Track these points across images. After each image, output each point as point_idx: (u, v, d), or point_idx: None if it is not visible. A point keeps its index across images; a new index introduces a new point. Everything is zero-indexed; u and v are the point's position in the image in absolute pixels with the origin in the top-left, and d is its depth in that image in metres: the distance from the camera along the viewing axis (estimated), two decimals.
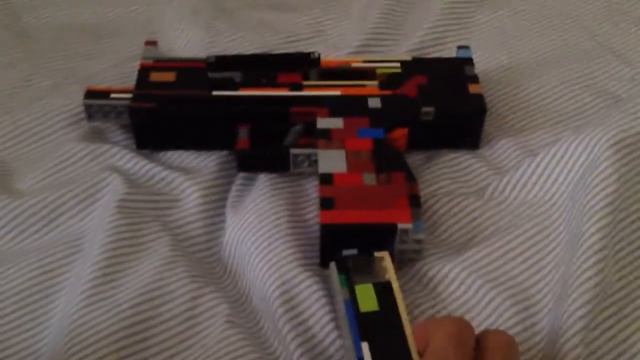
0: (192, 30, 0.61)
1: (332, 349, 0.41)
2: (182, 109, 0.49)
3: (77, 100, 0.51)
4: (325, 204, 0.43)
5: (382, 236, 0.42)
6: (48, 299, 0.43)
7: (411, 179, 0.45)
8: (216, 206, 0.48)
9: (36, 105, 0.53)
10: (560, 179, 0.47)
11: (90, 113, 0.50)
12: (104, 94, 0.50)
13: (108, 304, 0.41)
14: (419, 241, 0.43)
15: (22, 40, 0.61)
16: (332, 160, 0.46)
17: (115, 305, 0.41)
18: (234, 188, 0.49)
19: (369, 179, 0.45)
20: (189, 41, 0.60)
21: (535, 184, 0.48)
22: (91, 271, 0.43)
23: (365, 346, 0.36)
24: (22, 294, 0.43)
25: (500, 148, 0.51)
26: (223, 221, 0.48)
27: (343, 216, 0.43)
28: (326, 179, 0.45)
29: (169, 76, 0.51)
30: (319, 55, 0.51)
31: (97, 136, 0.52)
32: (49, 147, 0.51)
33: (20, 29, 0.62)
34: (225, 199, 0.49)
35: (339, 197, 0.44)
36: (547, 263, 0.44)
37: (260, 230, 0.45)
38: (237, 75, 0.51)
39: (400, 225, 0.42)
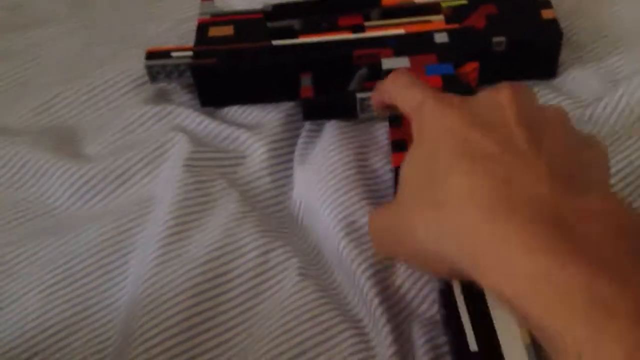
0: None
1: (410, 295, 0.39)
2: (243, 62, 0.48)
3: (138, 64, 0.51)
4: (397, 146, 0.41)
5: None
6: (123, 259, 0.43)
7: None
8: (284, 160, 0.47)
9: (98, 72, 0.53)
10: None
11: (153, 74, 0.50)
12: (165, 54, 0.50)
13: (179, 262, 0.41)
14: None
15: (77, 10, 0.60)
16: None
17: (187, 263, 0.41)
18: (300, 140, 0.48)
19: None
20: None
21: (617, 120, 0.44)
22: (161, 230, 0.42)
23: None
24: (97, 255, 0.43)
25: (578, 77, 0.48)
26: (291, 175, 0.46)
27: None
28: (396, 122, 0.43)
29: (228, 30, 0.50)
30: None
31: (160, 97, 0.51)
32: (114, 112, 0.51)
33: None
34: (292, 152, 0.47)
35: (410, 138, 0.41)
36: None
37: (330, 182, 0.43)
38: (296, 23, 0.49)
39: None
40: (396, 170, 0.40)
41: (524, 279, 0.25)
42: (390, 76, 0.39)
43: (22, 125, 0.51)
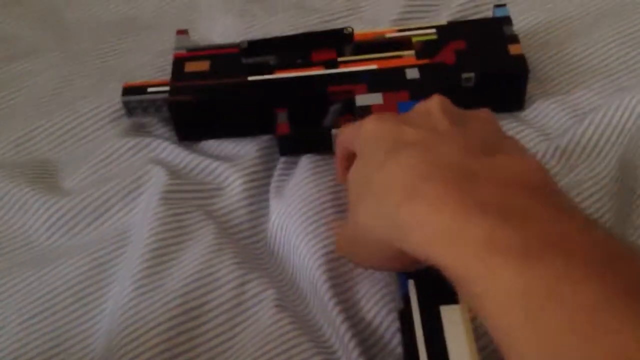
0: (227, 17, 0.60)
1: (383, 330, 0.40)
2: (220, 98, 0.49)
3: (116, 97, 0.52)
4: None
5: None
6: (100, 291, 0.43)
7: None
8: (259, 192, 0.48)
9: (77, 104, 0.54)
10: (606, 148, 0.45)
11: (130, 109, 0.51)
12: (142, 89, 0.51)
13: (157, 294, 0.42)
14: None
15: (61, 41, 0.61)
16: None
17: (164, 295, 0.41)
18: (276, 172, 0.49)
19: None
20: (225, 29, 0.60)
21: (580, 154, 0.46)
22: (138, 263, 0.43)
23: (411, 283, 0.36)
24: (75, 288, 0.43)
25: (545, 110, 0.50)
26: (267, 207, 0.47)
27: None
28: None
29: (204, 65, 0.51)
30: (352, 30, 0.50)
31: (138, 130, 0.52)
32: (92, 145, 0.52)
33: (59, 27, 0.63)
34: (268, 184, 0.48)
35: None
36: None
37: (305, 214, 0.44)
38: (271, 58, 0.50)
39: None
40: None
41: (437, 235, 0.28)
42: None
43: (2, 157, 0.52)
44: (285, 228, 0.45)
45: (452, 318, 0.35)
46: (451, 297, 0.35)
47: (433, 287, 0.35)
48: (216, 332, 0.41)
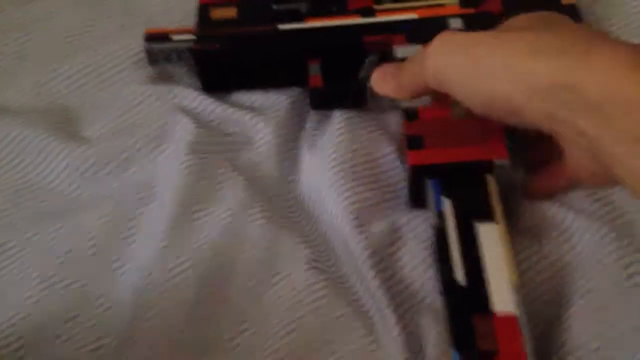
0: None
1: (420, 290, 0.38)
2: (247, 48, 0.47)
3: (139, 42, 0.49)
4: (413, 142, 0.40)
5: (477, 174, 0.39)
6: (122, 245, 0.41)
7: None
8: (291, 147, 0.46)
9: (98, 48, 0.51)
10: None
11: (152, 58, 0.48)
12: (165, 37, 0.48)
13: (184, 249, 0.40)
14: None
15: None
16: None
17: (192, 251, 0.40)
18: (308, 126, 0.46)
19: (458, 111, 0.41)
20: None
21: None
22: (166, 217, 0.41)
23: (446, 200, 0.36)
24: (96, 240, 0.42)
25: None
26: (298, 160, 0.45)
27: (433, 156, 0.39)
28: (411, 115, 0.41)
29: (231, 12, 0.48)
30: None
31: (162, 78, 0.50)
32: (114, 90, 0.49)
33: None
34: (299, 137, 0.46)
35: (427, 134, 0.40)
36: None
37: (339, 173, 0.42)
38: (303, 5, 0.47)
39: (497, 162, 0.38)
40: (412, 170, 0.39)
41: (517, 77, 0.31)
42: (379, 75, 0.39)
43: (20, 104, 0.49)
44: (317, 184, 0.43)
45: (489, 235, 0.34)
46: (486, 215, 0.35)
47: (468, 204, 0.35)
48: (246, 291, 0.39)
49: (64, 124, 0.48)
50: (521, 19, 0.35)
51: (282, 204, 0.44)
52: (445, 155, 0.39)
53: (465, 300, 0.33)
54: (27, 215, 0.44)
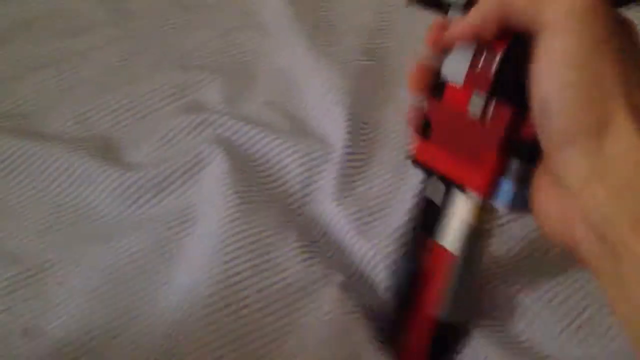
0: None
1: None
2: None
3: (175, 77, 0.52)
4: (423, 127, 0.37)
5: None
6: (164, 266, 0.43)
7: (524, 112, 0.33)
8: (319, 178, 0.48)
9: (136, 83, 0.54)
10: None
11: None
12: None
13: (225, 272, 0.41)
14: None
15: (117, 17, 0.62)
16: (454, 62, 0.36)
17: (235, 273, 0.41)
18: (339, 162, 0.48)
19: (476, 103, 0.35)
20: None
21: None
22: (216, 240, 0.43)
23: None
24: (139, 262, 0.43)
25: None
26: (326, 195, 0.47)
27: (432, 157, 0.37)
28: (437, 88, 0.37)
29: None
30: None
31: (198, 109, 0.52)
32: (152, 122, 0.52)
33: (117, 3, 0.63)
34: (326, 170, 0.48)
35: (437, 123, 0.37)
36: None
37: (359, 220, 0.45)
38: None
39: (469, 193, 0.36)
40: (414, 163, 0.38)
41: None
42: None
43: (62, 133, 0.52)
44: (344, 227, 0.45)
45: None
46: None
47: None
48: (279, 314, 0.40)
49: (106, 152, 0.50)
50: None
51: (314, 230, 0.46)
52: (439, 161, 0.37)
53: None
54: (70, 237, 0.46)
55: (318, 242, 0.45)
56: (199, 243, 0.43)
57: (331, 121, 0.50)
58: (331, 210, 0.46)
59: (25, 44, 0.59)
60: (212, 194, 0.46)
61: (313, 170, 0.48)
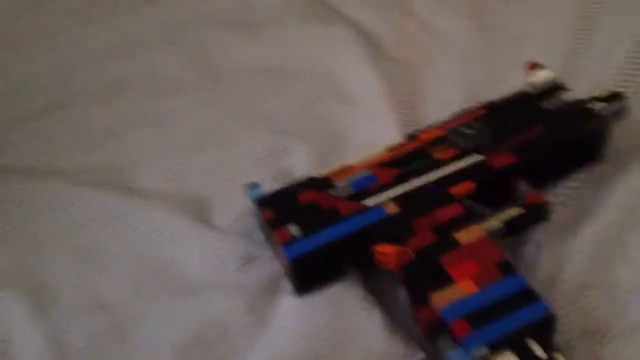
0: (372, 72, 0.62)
1: None
2: None
3: (266, 142, 0.53)
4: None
5: None
6: (250, 332, 0.44)
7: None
8: None
9: (226, 144, 0.56)
10: None
11: None
12: None
13: None
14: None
15: (205, 78, 0.64)
16: None
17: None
18: None
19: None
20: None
21: None
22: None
23: None
24: (224, 325, 0.44)
25: None
26: None
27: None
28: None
29: None
30: None
31: (285, 175, 0.53)
32: (241, 184, 0.53)
33: (207, 68, 0.65)
34: None
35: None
36: None
37: None
38: None
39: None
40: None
41: None
42: None
43: (153, 190, 0.53)
44: None
45: None
46: None
47: None
48: None
49: (196, 212, 0.51)
50: None
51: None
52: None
53: None
54: (160, 290, 0.47)
55: None
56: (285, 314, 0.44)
57: None
58: None
59: (123, 102, 0.61)
60: None
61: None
